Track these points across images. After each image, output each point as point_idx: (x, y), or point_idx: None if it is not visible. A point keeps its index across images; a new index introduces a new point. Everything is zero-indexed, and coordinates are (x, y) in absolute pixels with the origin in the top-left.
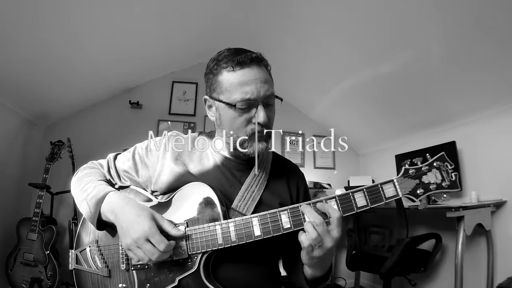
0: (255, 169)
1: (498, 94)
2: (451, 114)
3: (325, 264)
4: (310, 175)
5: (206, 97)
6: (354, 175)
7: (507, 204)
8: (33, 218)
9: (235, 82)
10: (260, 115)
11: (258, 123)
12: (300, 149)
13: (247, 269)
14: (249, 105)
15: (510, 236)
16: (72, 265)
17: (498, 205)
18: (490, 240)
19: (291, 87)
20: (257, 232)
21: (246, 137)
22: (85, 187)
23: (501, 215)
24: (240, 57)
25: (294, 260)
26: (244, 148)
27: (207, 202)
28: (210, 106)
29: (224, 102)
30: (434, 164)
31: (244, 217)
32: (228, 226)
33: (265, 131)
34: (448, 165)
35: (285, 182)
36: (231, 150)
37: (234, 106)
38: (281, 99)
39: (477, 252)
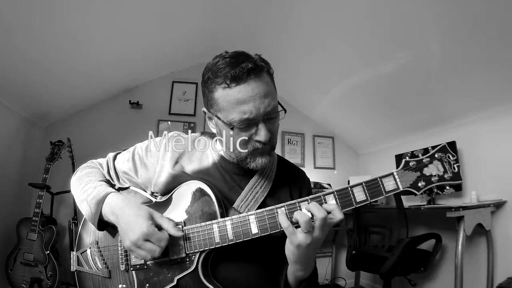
0: (258, 174)
1: (498, 94)
2: (451, 114)
3: (309, 261)
4: (310, 175)
5: (205, 109)
6: (354, 175)
7: (507, 204)
8: (33, 218)
9: (231, 100)
10: (261, 134)
11: (260, 141)
12: (300, 149)
13: (246, 269)
14: (248, 124)
15: (510, 236)
16: (74, 267)
17: (498, 205)
18: (490, 240)
19: (291, 87)
20: (254, 229)
21: (248, 154)
22: (85, 187)
23: (501, 215)
24: (235, 72)
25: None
26: (247, 164)
27: (204, 200)
28: (210, 118)
29: (222, 121)
30: (436, 155)
31: (241, 214)
32: (225, 224)
33: (268, 145)
34: (450, 156)
35: (289, 187)
36: (235, 162)
37: (233, 127)
38: (285, 110)
39: (477, 252)
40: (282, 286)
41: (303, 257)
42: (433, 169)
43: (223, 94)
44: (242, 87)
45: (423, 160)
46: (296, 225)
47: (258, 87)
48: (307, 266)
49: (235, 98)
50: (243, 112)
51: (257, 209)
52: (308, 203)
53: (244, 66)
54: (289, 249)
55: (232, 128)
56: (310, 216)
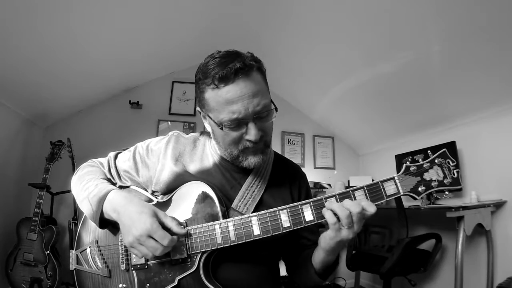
0: (254, 173)
1: (498, 94)
2: (451, 114)
3: (341, 248)
4: (310, 175)
5: (199, 109)
6: (354, 175)
7: (507, 204)
8: (33, 218)
9: (220, 101)
10: (251, 133)
11: (251, 140)
12: (300, 149)
13: (247, 270)
14: (238, 124)
15: (510, 236)
16: (73, 266)
17: (498, 205)
18: (490, 240)
19: (291, 87)
20: (257, 231)
21: (239, 153)
22: (86, 185)
23: (501, 215)
24: (223, 72)
25: (296, 260)
26: (240, 162)
27: (206, 201)
28: (204, 118)
29: (213, 121)
30: (436, 161)
31: (243, 216)
32: (227, 226)
33: (260, 143)
34: (450, 162)
35: (287, 183)
36: (229, 160)
37: (222, 127)
38: (276, 109)
39: (477, 252)
40: (313, 274)
41: (340, 247)
42: (433, 174)
43: (212, 95)
44: (231, 87)
45: (424, 165)
46: (324, 220)
47: (246, 87)
48: (337, 252)
49: (224, 99)
50: (232, 112)
51: (255, 207)
52: (311, 205)
53: (232, 66)
54: (328, 242)
55: (221, 128)
56: (349, 212)
